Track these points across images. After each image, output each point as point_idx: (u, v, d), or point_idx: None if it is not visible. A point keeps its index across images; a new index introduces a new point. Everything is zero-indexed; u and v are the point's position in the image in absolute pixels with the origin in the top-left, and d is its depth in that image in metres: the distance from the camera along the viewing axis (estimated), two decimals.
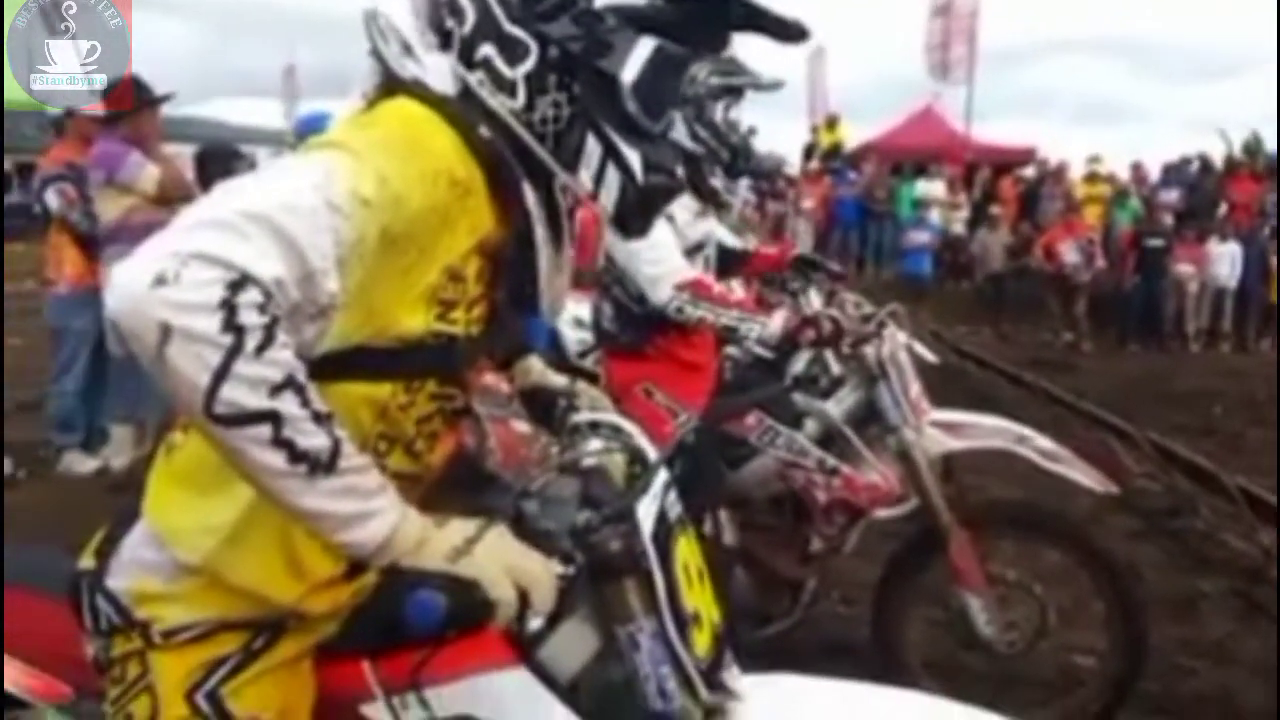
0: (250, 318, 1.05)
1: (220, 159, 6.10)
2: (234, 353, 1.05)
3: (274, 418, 1.08)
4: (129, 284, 1.05)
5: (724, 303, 3.19)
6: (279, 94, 27.56)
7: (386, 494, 1.20)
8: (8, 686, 1.55)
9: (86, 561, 1.41)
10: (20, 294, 13.97)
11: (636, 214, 1.43)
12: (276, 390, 1.08)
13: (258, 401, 1.07)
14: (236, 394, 1.06)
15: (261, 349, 1.06)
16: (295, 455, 1.10)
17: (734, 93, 3.31)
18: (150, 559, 1.35)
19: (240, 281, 1.05)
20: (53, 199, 5.72)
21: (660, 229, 3.10)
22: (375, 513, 1.17)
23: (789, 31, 1.40)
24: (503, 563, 1.23)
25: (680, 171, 1.46)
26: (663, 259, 3.13)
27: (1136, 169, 16.52)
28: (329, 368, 1.23)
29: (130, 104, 5.36)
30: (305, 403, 1.10)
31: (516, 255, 1.37)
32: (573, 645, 1.40)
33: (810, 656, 3.52)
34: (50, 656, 1.56)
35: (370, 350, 1.26)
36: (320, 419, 1.12)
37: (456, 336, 1.32)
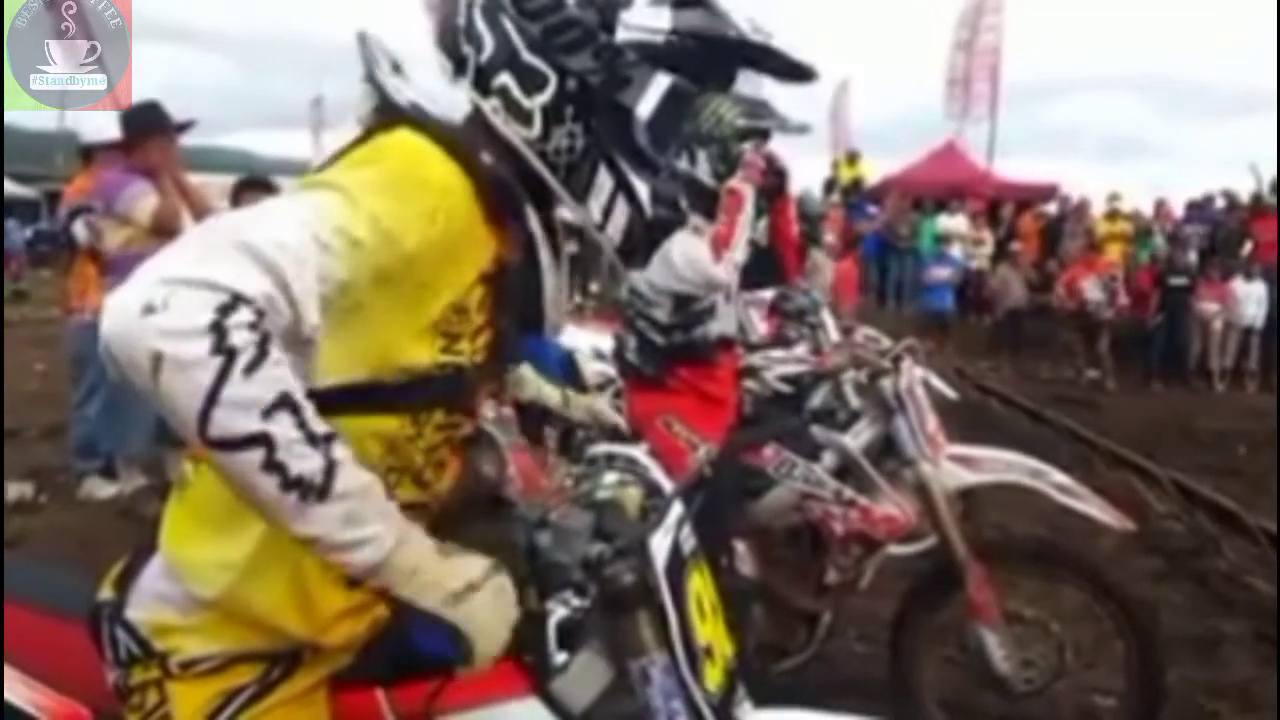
0: (241, 337, 1.05)
1: (255, 190, 6.09)
2: (224, 375, 1.04)
3: (266, 441, 1.07)
4: (119, 313, 1.05)
5: (733, 234, 3.14)
6: (307, 125, 27.86)
7: (384, 519, 1.18)
8: (27, 708, 1.56)
9: (106, 592, 1.43)
10: (47, 320, 14.14)
11: (641, 246, 1.44)
12: (269, 411, 1.07)
13: (249, 425, 1.06)
14: (228, 418, 1.05)
15: (252, 368, 1.05)
16: (287, 481, 1.09)
17: (761, 134, 3.35)
18: (168, 591, 1.36)
19: (230, 304, 1.06)
20: (80, 230, 5.73)
21: (696, 244, 3.11)
22: (369, 540, 1.15)
23: (798, 72, 1.43)
24: (492, 619, 1.23)
25: (684, 204, 1.49)
26: (686, 252, 3.14)
27: (1160, 206, 16.46)
28: (336, 403, 1.23)
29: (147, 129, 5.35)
30: (301, 424, 1.10)
31: (521, 278, 1.38)
32: (585, 678, 1.40)
33: (826, 694, 3.49)
34: (69, 678, 1.57)
35: (377, 385, 1.27)
36: (315, 440, 1.11)
37: (463, 366, 1.32)
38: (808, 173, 19.22)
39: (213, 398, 1.04)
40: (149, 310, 1.04)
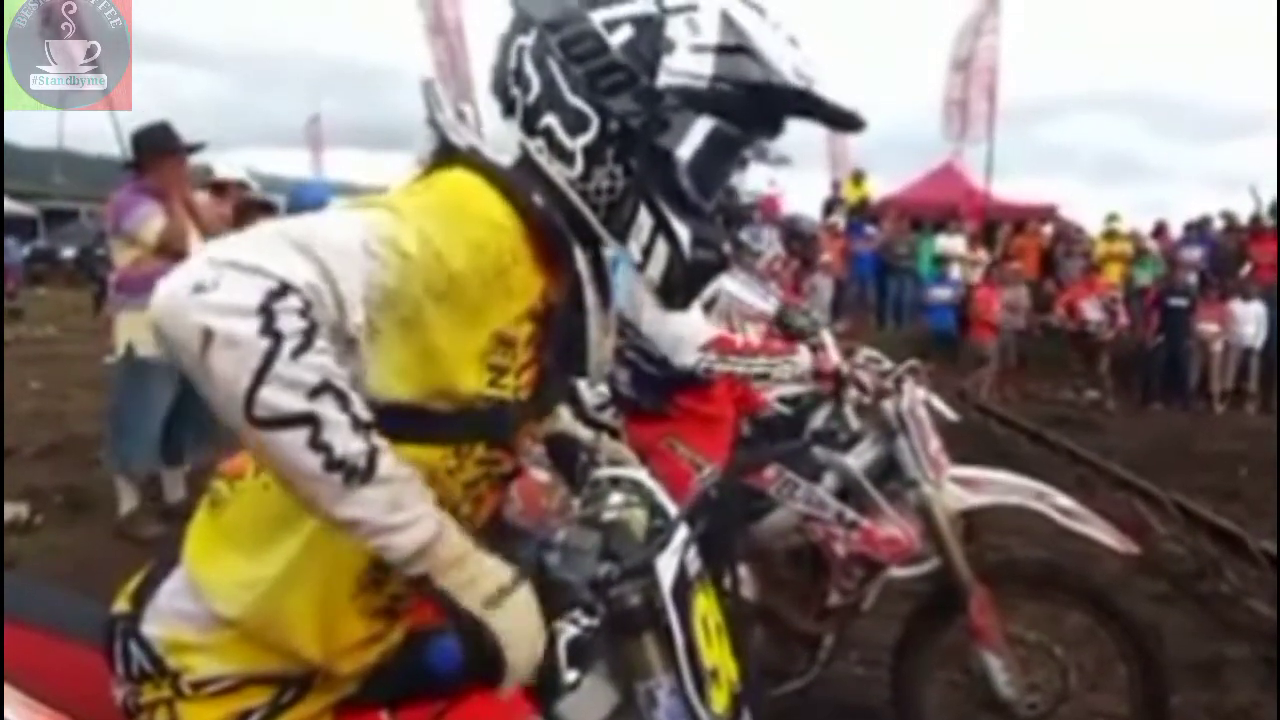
0: (289, 323, 1.07)
1: (256, 212, 6.12)
2: (272, 355, 1.06)
3: (312, 420, 1.09)
4: (171, 293, 1.08)
5: (750, 352, 3.22)
6: (304, 143, 28.00)
7: (425, 504, 1.19)
8: None
9: (121, 605, 1.43)
10: (42, 339, 14.16)
11: (681, 288, 1.44)
12: (315, 393, 1.09)
13: (296, 404, 1.08)
14: (275, 396, 1.07)
15: (299, 352, 1.07)
16: (332, 461, 1.10)
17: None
18: (186, 609, 1.36)
19: (279, 290, 1.08)
20: None
21: (674, 325, 3.16)
22: (412, 523, 1.16)
23: (845, 121, 1.43)
24: (523, 625, 1.23)
25: (727, 249, 1.48)
26: (686, 321, 3.18)
27: (1159, 227, 16.52)
28: (384, 427, 1.24)
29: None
30: (345, 407, 1.11)
31: (567, 319, 1.38)
32: (591, 701, 1.39)
33: (828, 717, 3.48)
34: (68, 699, 1.55)
35: (422, 413, 1.28)
36: (359, 425, 1.12)
37: (506, 401, 1.33)
38: (806, 193, 19.27)
39: (261, 376, 1.06)
40: (199, 289, 1.07)
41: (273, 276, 1.08)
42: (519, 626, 1.22)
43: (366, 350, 1.20)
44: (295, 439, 1.09)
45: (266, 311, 1.07)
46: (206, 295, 1.06)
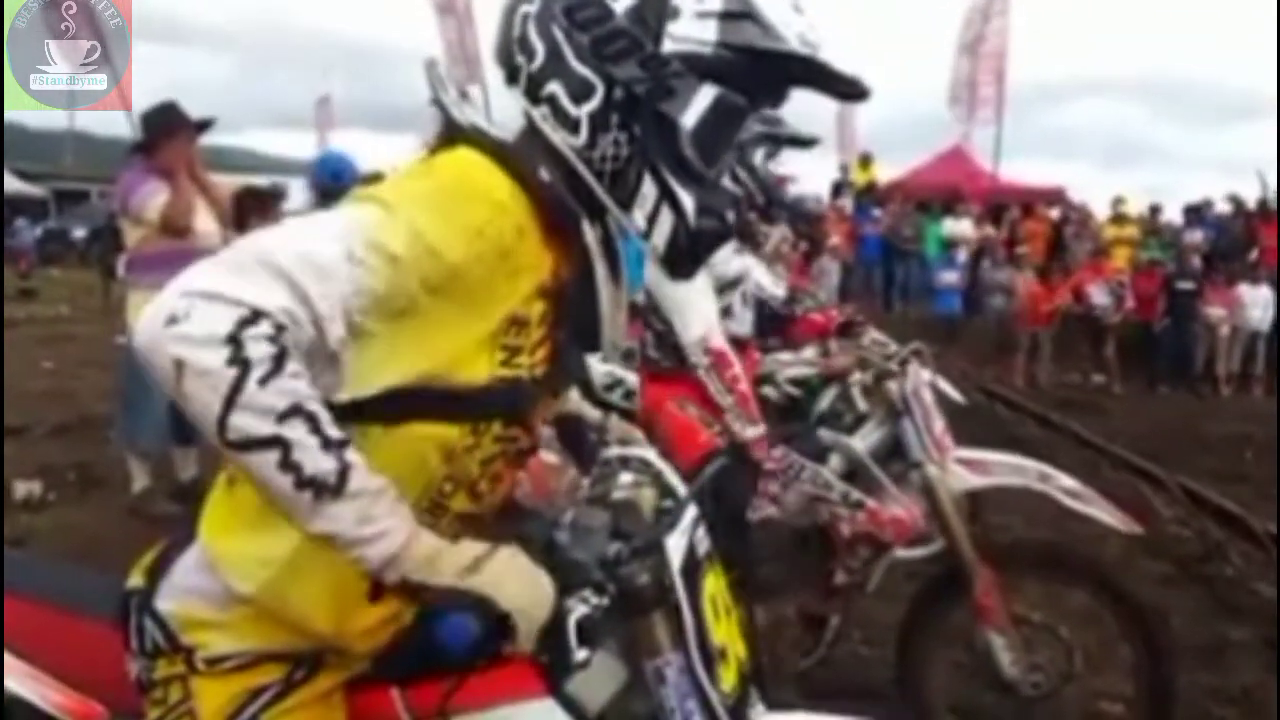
0: (257, 350, 1.11)
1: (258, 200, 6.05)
2: (239, 383, 1.10)
3: (281, 443, 1.13)
4: (148, 323, 1.12)
5: (731, 387, 3.27)
6: (312, 124, 27.86)
7: (396, 515, 1.21)
8: (43, 705, 1.56)
9: (136, 580, 1.45)
10: (55, 318, 14.21)
11: (686, 257, 1.45)
12: (283, 417, 1.12)
13: (264, 429, 1.12)
14: (244, 422, 1.11)
15: (267, 379, 1.11)
16: (301, 480, 1.14)
17: (773, 142, 3.38)
18: (201, 585, 1.38)
19: (250, 318, 1.11)
20: None
21: (700, 280, 3.17)
22: (383, 534, 1.19)
23: (848, 89, 1.42)
24: (513, 579, 1.25)
25: (731, 217, 1.48)
26: (701, 315, 3.29)
27: (1155, 211, 16.46)
28: (397, 408, 1.27)
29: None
30: (315, 429, 1.14)
31: (578, 294, 1.39)
32: (600, 678, 1.40)
33: (833, 697, 3.49)
34: (81, 676, 1.58)
35: (438, 392, 1.29)
36: (329, 445, 1.15)
37: (522, 379, 1.34)
38: (815, 176, 19.18)
39: (230, 403, 1.11)
40: (173, 320, 1.11)
41: (243, 304, 1.11)
42: (506, 580, 1.24)
43: (352, 350, 1.23)
44: (266, 460, 1.13)
45: (234, 341, 1.10)
46: (179, 327, 1.11)
